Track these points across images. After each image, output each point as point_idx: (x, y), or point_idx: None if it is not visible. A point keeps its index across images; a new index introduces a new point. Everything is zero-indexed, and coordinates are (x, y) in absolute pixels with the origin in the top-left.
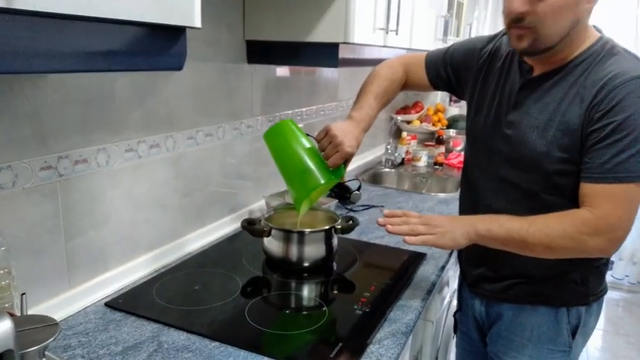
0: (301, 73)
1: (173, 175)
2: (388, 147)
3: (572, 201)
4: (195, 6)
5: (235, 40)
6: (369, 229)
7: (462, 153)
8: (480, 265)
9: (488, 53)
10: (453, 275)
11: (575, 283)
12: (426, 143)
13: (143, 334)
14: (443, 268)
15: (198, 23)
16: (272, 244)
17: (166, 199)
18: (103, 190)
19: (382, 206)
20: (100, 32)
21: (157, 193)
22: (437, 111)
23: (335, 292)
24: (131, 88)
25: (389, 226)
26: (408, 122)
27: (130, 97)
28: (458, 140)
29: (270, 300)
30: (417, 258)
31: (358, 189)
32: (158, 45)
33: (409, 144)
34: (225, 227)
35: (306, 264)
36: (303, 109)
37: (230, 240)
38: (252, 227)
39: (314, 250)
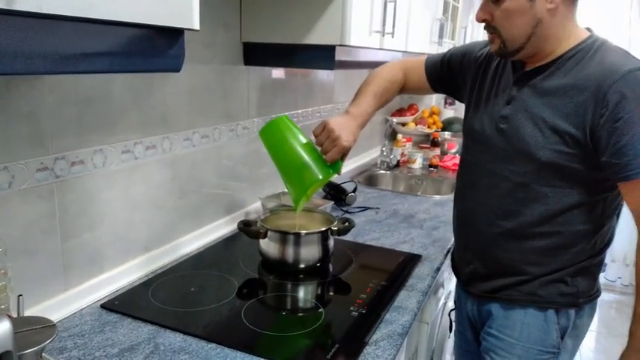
0: (297, 75)
1: (169, 177)
2: (383, 149)
3: (561, 189)
4: (193, 8)
5: (232, 41)
6: (365, 231)
7: (457, 155)
8: (471, 262)
9: (485, 55)
10: (448, 277)
11: (565, 284)
12: (421, 145)
13: (139, 335)
14: (438, 269)
15: (196, 25)
16: (268, 246)
17: (162, 200)
18: (100, 192)
19: (378, 208)
20: (99, 34)
21: (154, 194)
22: (432, 113)
23: (331, 293)
24: (128, 89)
25: None
26: (404, 124)
27: (126, 99)
28: (453, 143)
29: (266, 302)
30: (413, 259)
31: (354, 191)
32: (156, 47)
33: (404, 146)
34: (221, 229)
35: (302, 266)
36: (299, 111)
37: (226, 241)
38: (248, 229)
39: (310, 252)
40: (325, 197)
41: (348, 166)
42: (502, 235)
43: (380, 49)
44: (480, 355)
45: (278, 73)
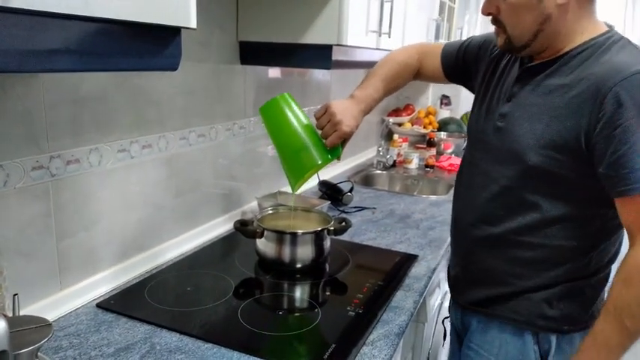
0: (294, 75)
1: (166, 176)
2: (380, 149)
3: (550, 199)
4: (190, 6)
5: (228, 40)
6: (362, 231)
7: (453, 156)
8: (457, 266)
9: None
10: (444, 277)
11: (548, 305)
12: (418, 146)
13: (135, 335)
14: (434, 269)
15: (193, 24)
16: (265, 246)
17: (159, 199)
18: (95, 191)
19: (374, 208)
20: (95, 32)
21: (150, 193)
22: (428, 114)
23: (327, 293)
24: (124, 88)
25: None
26: (400, 125)
27: (122, 97)
28: (449, 143)
29: (262, 301)
30: (409, 260)
31: (350, 191)
32: (153, 45)
33: (400, 146)
34: (217, 228)
35: (298, 265)
36: None
37: (223, 241)
38: (244, 228)
39: (307, 252)
40: (322, 197)
41: (345, 165)
42: (486, 240)
43: (376, 49)
44: None
45: (275, 72)
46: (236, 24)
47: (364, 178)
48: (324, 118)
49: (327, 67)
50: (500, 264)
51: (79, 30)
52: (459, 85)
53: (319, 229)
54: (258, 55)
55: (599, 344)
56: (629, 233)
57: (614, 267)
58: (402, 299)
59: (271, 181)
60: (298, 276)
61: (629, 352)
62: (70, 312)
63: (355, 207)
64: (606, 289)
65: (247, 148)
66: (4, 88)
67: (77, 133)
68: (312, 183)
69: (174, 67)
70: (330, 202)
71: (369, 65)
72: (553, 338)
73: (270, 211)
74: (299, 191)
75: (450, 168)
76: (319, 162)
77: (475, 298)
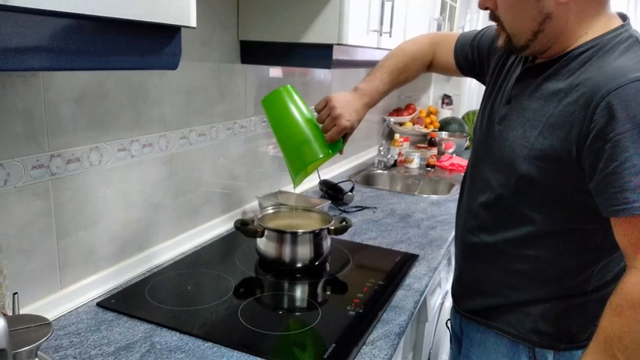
0: (294, 74)
1: (166, 175)
2: (381, 149)
3: (543, 212)
4: (190, 5)
5: (229, 39)
6: (362, 231)
7: (454, 155)
8: (456, 269)
9: None
10: (445, 277)
11: (543, 321)
12: (419, 145)
13: (135, 334)
14: (435, 269)
15: (193, 23)
16: (265, 245)
17: (159, 198)
18: (96, 190)
19: (375, 207)
20: (95, 31)
21: (150, 192)
22: (429, 113)
23: (328, 293)
24: (124, 86)
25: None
26: (401, 124)
27: (123, 96)
28: (450, 142)
29: (263, 301)
30: (410, 259)
31: (351, 190)
32: (153, 44)
33: (402, 146)
34: (218, 227)
35: (299, 265)
36: None
37: (223, 240)
38: (245, 228)
39: (307, 251)
40: (322, 196)
41: (346, 165)
42: (481, 247)
43: (377, 48)
44: None
45: (275, 71)
46: (237, 23)
47: (365, 177)
48: (325, 112)
49: (328, 67)
50: (494, 274)
51: (80, 28)
52: (460, 85)
53: (320, 228)
54: (258, 54)
55: None
56: (624, 255)
57: None
58: (403, 299)
59: (272, 180)
60: (299, 275)
61: None
62: (71, 311)
63: (356, 206)
64: None
65: (248, 147)
66: (5, 87)
67: (77, 131)
68: (312, 182)
69: (174, 66)
70: (330, 201)
71: (369, 65)
72: (549, 354)
73: (271, 211)
74: (300, 190)
75: (451, 168)
76: (320, 156)
77: (472, 306)
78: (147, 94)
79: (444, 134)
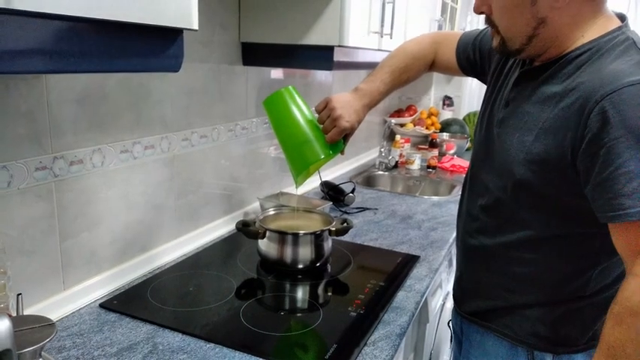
0: (295, 76)
1: (168, 177)
2: (382, 150)
3: (539, 216)
4: (192, 8)
5: (230, 41)
6: (363, 232)
7: (455, 157)
8: (457, 270)
9: None
10: (446, 278)
11: (542, 324)
12: (420, 146)
13: (138, 335)
14: (436, 270)
15: (195, 25)
16: (267, 246)
17: (161, 200)
18: (98, 191)
19: (376, 209)
20: (98, 33)
21: (152, 194)
22: (430, 114)
23: (329, 294)
24: (126, 89)
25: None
26: (402, 125)
27: (125, 98)
28: (451, 144)
29: (264, 302)
30: (411, 260)
31: (352, 191)
32: (155, 46)
33: (403, 147)
34: (219, 229)
35: (300, 266)
36: None
37: (225, 242)
38: (246, 229)
39: (308, 252)
40: (324, 198)
41: (347, 166)
42: (480, 250)
43: (378, 49)
44: None
45: (277, 73)
46: (238, 25)
47: (366, 179)
48: (325, 113)
49: (329, 68)
50: (493, 276)
51: (83, 31)
52: (461, 86)
53: (321, 229)
54: (260, 55)
55: None
56: (623, 260)
57: None
58: (404, 300)
59: (273, 181)
60: (300, 276)
61: None
62: (73, 312)
63: (357, 208)
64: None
65: (249, 148)
66: (8, 89)
67: (80, 133)
68: (313, 184)
69: (176, 69)
70: (332, 202)
71: (370, 66)
72: (548, 358)
73: (272, 212)
74: (301, 191)
75: (452, 169)
76: (321, 156)
77: (472, 308)
78: (148, 95)
79: (445, 135)
